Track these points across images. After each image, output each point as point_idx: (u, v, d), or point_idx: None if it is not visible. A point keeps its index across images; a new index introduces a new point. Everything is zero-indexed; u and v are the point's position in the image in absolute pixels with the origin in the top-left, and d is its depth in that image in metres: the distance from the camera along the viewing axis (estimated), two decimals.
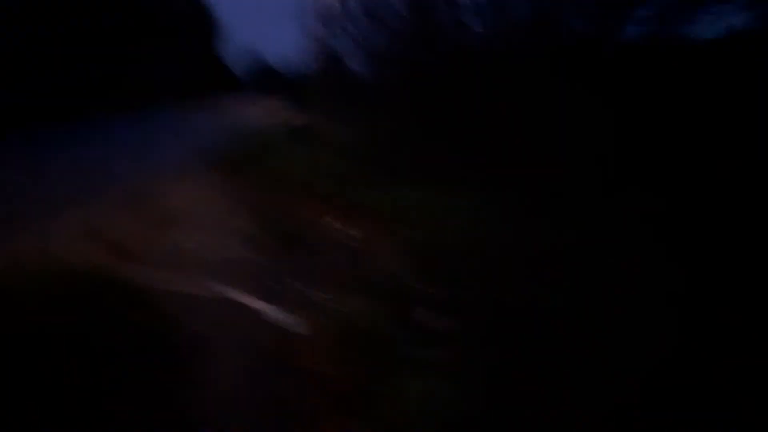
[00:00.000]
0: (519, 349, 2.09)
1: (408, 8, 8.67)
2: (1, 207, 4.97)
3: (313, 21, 12.04)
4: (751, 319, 2.09)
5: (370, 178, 5.59)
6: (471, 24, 7.07)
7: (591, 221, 3.24)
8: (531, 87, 4.74)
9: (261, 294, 3.11)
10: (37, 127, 13.33)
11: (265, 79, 34.85)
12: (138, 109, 19.32)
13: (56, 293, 2.59)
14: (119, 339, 2.33)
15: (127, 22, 23.33)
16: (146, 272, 3.38)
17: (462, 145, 6.07)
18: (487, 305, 2.59)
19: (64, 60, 18.38)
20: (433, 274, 3.11)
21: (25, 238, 3.95)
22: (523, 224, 3.57)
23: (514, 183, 4.49)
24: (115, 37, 22.43)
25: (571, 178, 3.92)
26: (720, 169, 3.24)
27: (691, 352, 1.94)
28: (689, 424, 1.69)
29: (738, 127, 3.41)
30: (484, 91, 5.89)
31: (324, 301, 2.94)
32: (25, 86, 15.79)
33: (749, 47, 3.53)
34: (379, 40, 10.24)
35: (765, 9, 3.47)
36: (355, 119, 9.63)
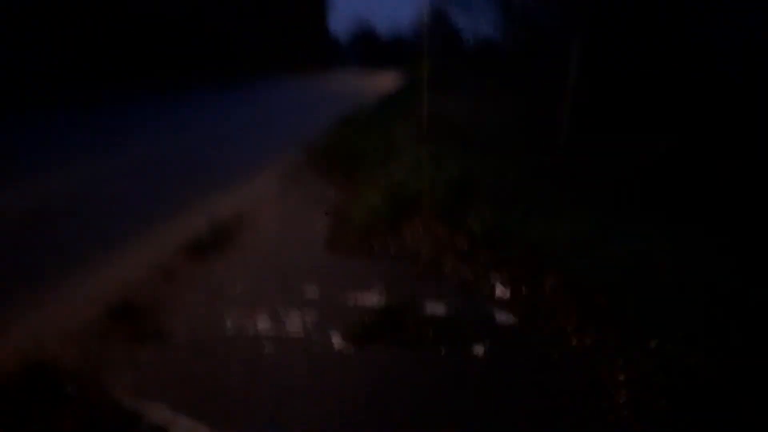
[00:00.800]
0: None
1: None
2: None
3: None
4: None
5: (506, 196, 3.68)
6: None
7: None
8: None
9: None
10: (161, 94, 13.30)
11: (375, 53, 33.20)
12: (249, 79, 18.88)
13: None
14: None
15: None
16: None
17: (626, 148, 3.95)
18: None
19: (191, 36, 18.78)
20: None
21: None
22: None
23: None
24: (234, 13, 22.42)
25: None
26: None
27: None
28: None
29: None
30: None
31: None
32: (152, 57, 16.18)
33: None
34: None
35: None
36: (478, 100, 7.61)
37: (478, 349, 2.14)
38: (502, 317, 2.38)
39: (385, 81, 15.90)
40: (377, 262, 3.01)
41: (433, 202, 3.51)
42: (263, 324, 2.41)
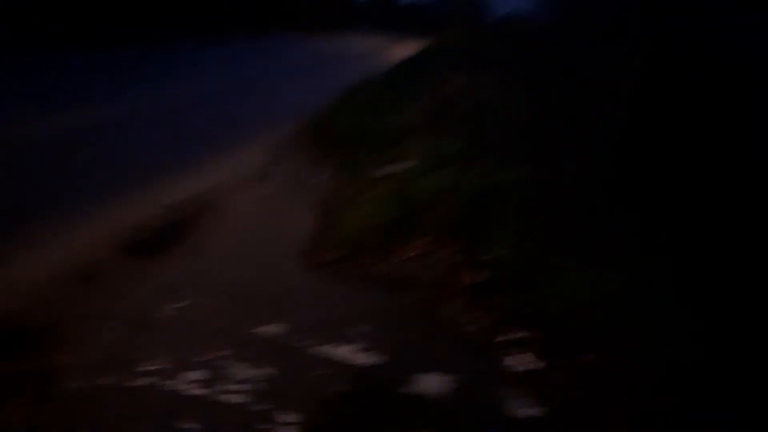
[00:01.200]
0: None
1: None
2: None
3: None
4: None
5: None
6: None
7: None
8: None
9: None
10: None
11: (392, 17, 31.62)
12: (262, 36, 18.04)
13: None
14: None
15: None
16: None
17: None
18: None
19: None
20: None
21: None
22: None
23: None
24: None
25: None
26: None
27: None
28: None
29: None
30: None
31: None
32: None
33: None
34: None
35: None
36: (509, 83, 6.73)
37: None
38: (522, 408, 1.69)
39: (401, 49, 14.88)
40: (364, 292, 2.31)
41: (446, 216, 2.78)
42: (191, 373, 1.74)
